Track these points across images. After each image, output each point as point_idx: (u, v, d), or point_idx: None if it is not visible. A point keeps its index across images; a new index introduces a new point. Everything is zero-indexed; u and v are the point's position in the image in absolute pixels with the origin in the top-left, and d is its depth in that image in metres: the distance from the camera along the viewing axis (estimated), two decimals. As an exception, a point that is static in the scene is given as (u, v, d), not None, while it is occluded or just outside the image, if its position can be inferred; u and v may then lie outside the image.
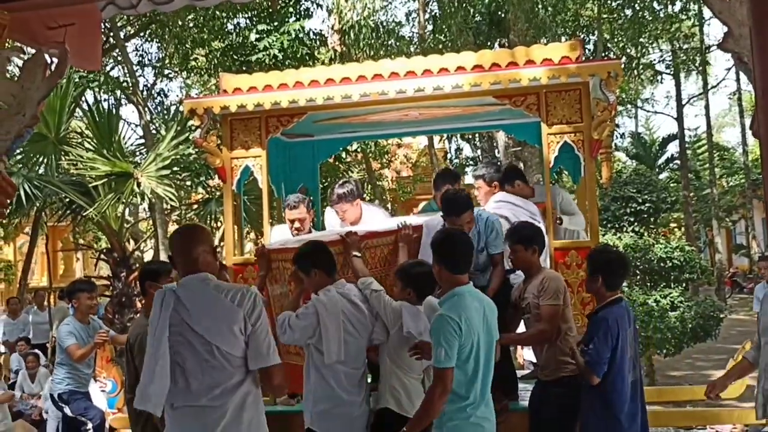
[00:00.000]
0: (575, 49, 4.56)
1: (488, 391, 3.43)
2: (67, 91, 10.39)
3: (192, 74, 16.61)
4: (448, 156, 20.77)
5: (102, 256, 13.42)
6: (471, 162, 20.19)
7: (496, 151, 15.33)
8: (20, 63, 3.22)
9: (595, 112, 4.60)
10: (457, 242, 3.52)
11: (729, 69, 25.70)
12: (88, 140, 10.81)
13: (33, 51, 3.22)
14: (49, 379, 8.29)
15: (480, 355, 3.33)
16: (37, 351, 9.53)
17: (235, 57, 12.31)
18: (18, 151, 3.81)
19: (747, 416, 5.43)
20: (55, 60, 3.20)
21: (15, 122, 3.03)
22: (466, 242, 3.57)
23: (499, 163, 6.14)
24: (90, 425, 5.88)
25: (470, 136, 18.26)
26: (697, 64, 21.38)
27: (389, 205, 18.08)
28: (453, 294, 3.39)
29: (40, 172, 10.57)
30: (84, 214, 11.09)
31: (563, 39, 13.34)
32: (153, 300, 3.11)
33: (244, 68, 11.25)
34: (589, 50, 16.30)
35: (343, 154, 13.57)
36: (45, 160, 10.45)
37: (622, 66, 4.72)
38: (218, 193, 12.13)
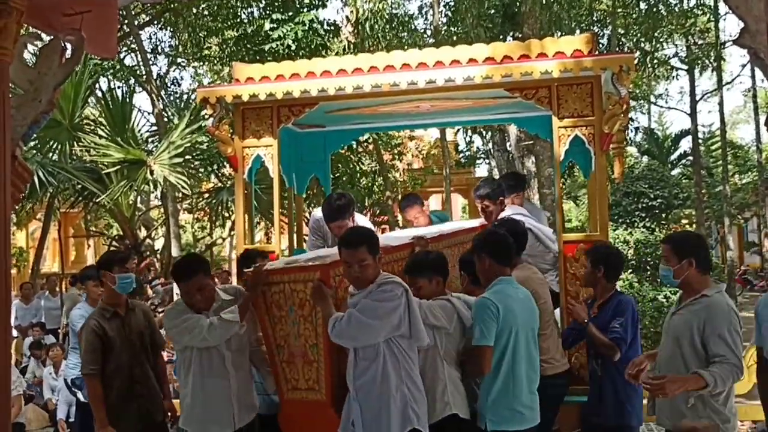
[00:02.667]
0: (588, 43, 4.55)
1: (532, 381, 3.71)
2: (81, 79, 10.47)
3: (205, 63, 16.65)
4: (459, 148, 20.74)
5: (114, 243, 13.53)
6: (482, 155, 20.15)
7: (508, 144, 15.29)
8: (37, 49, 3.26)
9: (606, 106, 4.59)
10: (503, 236, 3.94)
11: (744, 65, 25.49)
12: (102, 127, 10.89)
13: (49, 38, 3.25)
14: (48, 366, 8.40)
15: (519, 345, 3.64)
16: (42, 339, 9.61)
17: (249, 46, 12.33)
18: (32, 137, 3.85)
19: (755, 413, 5.43)
20: (71, 47, 3.23)
21: (31, 108, 3.06)
22: (508, 237, 3.95)
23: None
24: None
25: (482, 129, 18.22)
26: (711, 60, 21.18)
27: (400, 198, 18.07)
28: (498, 282, 3.77)
29: (54, 158, 10.66)
30: (96, 200, 11.21)
31: (577, 33, 13.28)
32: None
33: (257, 58, 11.28)
34: (603, 45, 16.21)
35: (355, 145, 13.58)
36: (59, 147, 10.55)
37: (636, 61, 4.71)
38: (230, 183, 12.20)
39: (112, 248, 13.29)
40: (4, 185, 2.27)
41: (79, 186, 11.00)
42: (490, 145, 18.13)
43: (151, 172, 10.21)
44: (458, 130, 19.01)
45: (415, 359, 3.48)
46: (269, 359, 3.92)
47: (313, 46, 11.64)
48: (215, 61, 15.72)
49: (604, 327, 4.10)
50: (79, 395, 6.05)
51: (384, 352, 3.39)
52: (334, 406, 3.68)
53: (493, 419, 3.60)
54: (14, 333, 11.55)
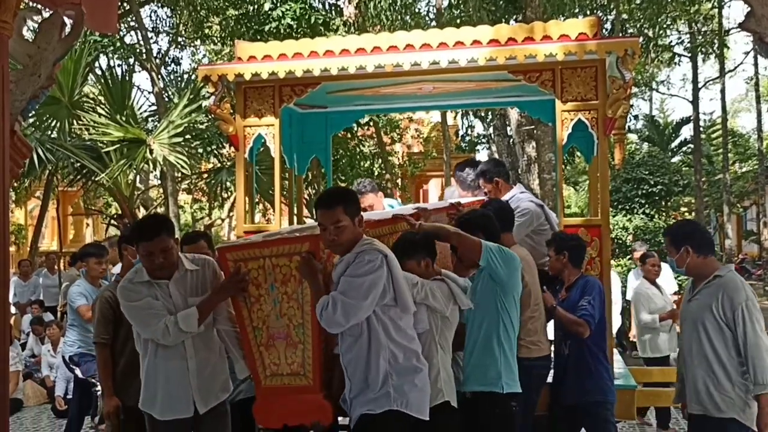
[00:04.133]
0: (593, 26, 4.51)
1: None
2: (81, 56, 10.41)
3: (205, 42, 16.55)
4: (460, 133, 20.69)
5: (113, 221, 13.51)
6: (483, 139, 20.10)
7: (509, 128, 15.25)
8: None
9: (610, 90, 4.56)
10: (489, 216, 4.02)
11: (747, 53, 25.38)
12: (101, 105, 10.84)
13: (49, 12, 3.21)
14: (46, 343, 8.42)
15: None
16: (42, 316, 9.63)
17: (249, 25, 12.24)
18: (31, 114, 3.82)
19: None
20: (71, 22, 3.20)
21: (30, 83, 3.04)
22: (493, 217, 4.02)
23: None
24: (99, 387, 5.96)
25: (483, 114, 18.16)
26: (715, 47, 21.10)
27: (399, 181, 18.05)
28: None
29: (53, 136, 10.62)
30: (95, 179, 11.17)
31: (580, 17, 13.19)
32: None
33: (257, 37, 11.20)
34: (607, 30, 16.11)
35: (355, 128, 13.54)
36: (58, 124, 10.51)
37: (640, 46, 4.67)
38: (229, 163, 12.17)
39: (112, 226, 13.29)
40: (3, 160, 2.25)
41: (78, 164, 10.96)
42: (491, 129, 18.09)
43: (151, 152, 10.17)
44: (457, 114, 18.98)
45: (407, 328, 3.26)
46: (243, 344, 3.55)
47: (312, 24, 11.55)
48: (216, 41, 15.63)
49: (572, 308, 4.18)
50: (77, 372, 6.07)
51: (367, 327, 3.18)
52: (323, 390, 3.45)
53: (508, 381, 3.58)
54: (12, 310, 11.60)
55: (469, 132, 20.52)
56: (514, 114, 13.42)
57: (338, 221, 3.19)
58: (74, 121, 10.71)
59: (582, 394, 4.12)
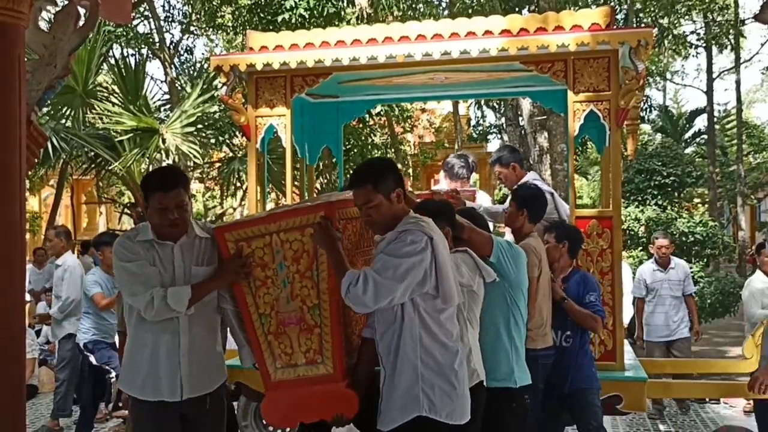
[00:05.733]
0: (606, 16, 4.49)
1: None
2: (95, 45, 10.45)
3: (218, 32, 16.57)
4: (471, 123, 20.63)
5: (126, 210, 13.59)
6: (495, 130, 20.03)
7: (521, 119, 15.19)
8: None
9: (622, 81, 4.54)
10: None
11: (763, 44, 25.11)
12: (115, 95, 10.89)
13: (64, 2, 3.24)
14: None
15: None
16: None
17: (262, 15, 12.24)
18: (46, 103, 3.85)
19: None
20: (86, 12, 3.22)
21: (46, 73, 3.06)
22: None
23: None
24: (114, 374, 6.04)
25: (495, 104, 18.09)
26: (730, 38, 20.86)
27: (410, 171, 18.04)
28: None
29: (67, 125, 10.68)
30: (109, 168, 11.23)
31: (593, 8, 13.09)
32: None
33: (270, 27, 11.21)
34: (620, 20, 15.98)
35: (367, 117, 13.53)
36: (72, 113, 10.56)
37: (654, 37, 4.65)
38: (241, 153, 12.20)
39: (125, 214, 13.36)
40: (20, 149, 2.28)
41: (92, 153, 11.02)
42: (503, 120, 18.03)
43: (163, 141, 10.22)
44: (470, 104, 18.91)
45: (444, 324, 2.87)
46: (248, 334, 3.19)
47: (325, 15, 11.54)
48: (228, 30, 15.64)
49: (573, 301, 4.22)
50: (91, 359, 6.14)
51: (401, 316, 2.83)
52: (346, 378, 3.09)
53: (520, 375, 3.59)
54: (27, 297, 11.72)
55: (480, 122, 20.46)
56: (526, 104, 13.37)
57: (368, 201, 2.89)
58: (88, 111, 10.77)
59: (575, 382, 4.18)
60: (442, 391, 2.81)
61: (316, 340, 3.09)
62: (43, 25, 3.39)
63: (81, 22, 3.22)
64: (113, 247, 3.18)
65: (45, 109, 9.93)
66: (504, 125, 17.65)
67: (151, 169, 13.88)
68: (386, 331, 2.87)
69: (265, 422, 3.45)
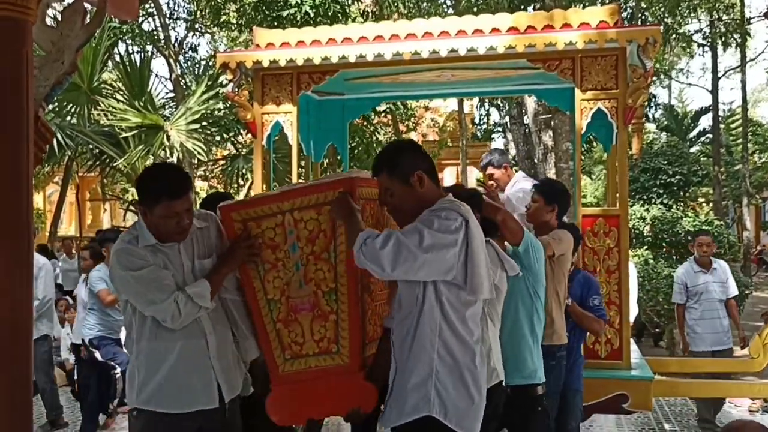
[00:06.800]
0: (613, 14, 4.48)
1: None
2: (100, 42, 10.47)
3: (222, 29, 16.56)
4: (476, 122, 20.60)
5: (131, 207, 13.59)
6: (499, 128, 20.01)
7: (525, 117, 15.17)
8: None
9: (630, 79, 4.53)
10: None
11: (769, 42, 24.99)
12: (120, 92, 10.91)
13: (71, -1, 3.23)
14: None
15: None
16: (67, 297, 9.74)
17: (267, 12, 12.23)
18: (54, 98, 3.84)
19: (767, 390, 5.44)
20: (93, 8, 3.22)
21: (54, 69, 3.05)
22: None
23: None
24: (119, 370, 6.04)
25: (499, 103, 18.05)
26: (736, 36, 20.79)
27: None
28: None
29: (73, 121, 10.70)
30: (114, 165, 11.25)
31: (599, 5, 13.05)
32: None
33: (275, 24, 11.20)
34: (625, 18, 15.95)
35: (372, 115, 13.53)
36: (77, 110, 10.58)
37: (661, 35, 4.63)
38: (245, 150, 12.20)
39: (130, 211, 13.37)
40: (27, 145, 2.27)
41: (97, 150, 11.05)
42: (507, 118, 18.00)
43: (168, 138, 10.23)
44: (474, 102, 18.88)
45: (467, 321, 2.55)
46: (255, 322, 2.93)
47: (331, 13, 11.53)
48: (232, 28, 15.63)
49: (587, 299, 4.16)
50: (96, 355, 6.14)
51: (422, 299, 2.52)
52: (363, 370, 2.82)
53: (540, 373, 3.50)
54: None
55: (485, 121, 20.43)
56: (531, 103, 13.35)
57: (386, 188, 2.67)
58: (93, 108, 10.79)
59: (566, 382, 4.10)
60: (456, 393, 2.50)
61: (331, 327, 2.83)
62: (49, 22, 3.38)
63: (88, 19, 3.22)
64: (112, 256, 2.88)
65: (50, 106, 9.94)
66: (508, 124, 17.61)
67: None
68: (406, 316, 2.56)
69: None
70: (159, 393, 2.78)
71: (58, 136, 9.61)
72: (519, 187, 5.14)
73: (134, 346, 2.85)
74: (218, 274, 2.86)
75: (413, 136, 19.52)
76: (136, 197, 2.85)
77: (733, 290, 6.63)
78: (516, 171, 5.49)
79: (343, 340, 2.81)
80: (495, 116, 20.86)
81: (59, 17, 3.16)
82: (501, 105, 18.51)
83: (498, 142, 21.62)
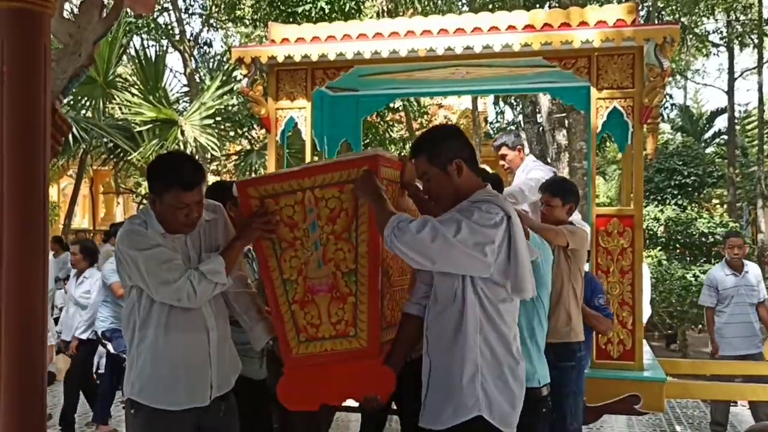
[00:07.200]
0: (631, 12, 4.45)
1: None
2: (116, 36, 10.52)
3: (237, 24, 16.60)
4: (489, 120, 20.54)
5: (143, 201, 13.66)
6: (512, 126, 19.94)
7: (539, 116, 15.11)
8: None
9: (647, 78, 4.50)
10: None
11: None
12: (135, 86, 10.96)
13: (89, -9, 3.24)
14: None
15: None
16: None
17: (282, 8, 12.25)
18: (71, 91, 3.85)
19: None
20: (110, 1, 3.23)
21: (71, 62, 3.06)
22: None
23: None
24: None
25: (513, 101, 18.00)
26: (753, 37, 20.61)
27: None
28: None
29: (87, 115, 10.77)
30: (128, 158, 11.30)
31: (616, 3, 12.98)
32: None
33: (290, 20, 11.21)
34: (643, 17, 15.86)
35: (385, 112, 13.52)
36: (92, 104, 10.64)
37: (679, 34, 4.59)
38: (259, 146, 12.23)
39: (143, 205, 13.43)
40: (44, 137, 2.28)
41: (111, 144, 11.11)
42: (520, 117, 17.95)
43: (182, 132, 10.27)
44: (487, 101, 18.81)
45: (505, 316, 2.45)
46: (270, 303, 2.82)
47: (346, 10, 11.53)
48: (247, 23, 15.67)
49: (593, 299, 4.13)
50: (109, 347, 6.19)
51: (461, 296, 2.42)
52: (382, 354, 2.69)
53: (543, 374, 3.40)
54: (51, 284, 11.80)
55: (499, 119, 20.40)
56: (545, 101, 13.29)
57: (424, 173, 2.57)
58: (108, 101, 10.85)
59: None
60: (498, 391, 2.43)
61: (349, 309, 2.71)
62: (67, 15, 3.40)
63: (105, 12, 3.23)
64: (119, 239, 2.76)
65: (66, 100, 10.00)
66: (522, 122, 17.56)
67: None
68: (443, 311, 2.45)
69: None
70: (154, 386, 2.70)
71: (73, 129, 9.66)
72: (532, 176, 5.07)
73: (136, 333, 2.73)
74: (232, 248, 2.78)
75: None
76: (149, 189, 2.81)
77: (763, 294, 6.49)
78: (527, 155, 5.44)
79: (362, 323, 2.69)
80: (509, 114, 20.83)
81: (77, 10, 3.18)
82: (515, 103, 18.45)
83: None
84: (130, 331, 2.75)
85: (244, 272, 3.03)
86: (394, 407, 3.40)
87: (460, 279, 2.41)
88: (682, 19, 17.23)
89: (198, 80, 13.23)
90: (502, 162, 5.39)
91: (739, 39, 20.85)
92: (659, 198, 10.87)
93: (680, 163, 10.92)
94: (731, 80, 22.14)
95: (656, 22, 15.55)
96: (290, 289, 2.77)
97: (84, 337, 6.32)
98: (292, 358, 2.77)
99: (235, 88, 10.63)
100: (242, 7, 15.04)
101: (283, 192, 2.73)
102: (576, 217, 4.62)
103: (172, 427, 2.71)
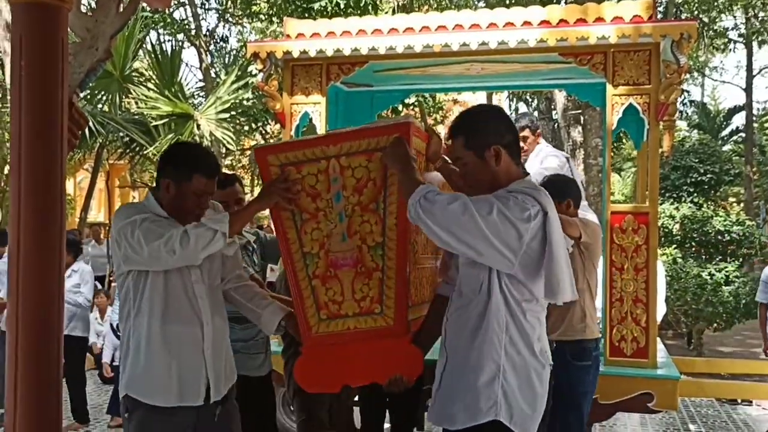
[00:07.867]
0: (648, 8, 4.41)
1: None
2: (133, 31, 10.58)
3: (253, 20, 16.64)
4: (504, 115, 20.47)
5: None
6: (527, 123, 19.86)
7: (554, 113, 15.05)
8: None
9: (663, 75, 4.47)
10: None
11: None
12: (151, 80, 11.02)
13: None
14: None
15: None
16: (96, 283, 9.89)
17: (297, 3, 12.27)
18: (89, 84, 3.88)
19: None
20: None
21: (88, 56, 3.09)
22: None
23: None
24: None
25: (528, 97, 17.93)
26: (772, 33, 20.42)
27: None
28: None
29: (104, 109, 10.85)
30: (144, 153, 11.38)
31: None
32: None
33: (305, 15, 11.23)
34: (660, 13, 15.73)
35: (400, 107, 13.52)
36: (109, 98, 10.71)
37: (697, 30, 4.55)
38: (273, 140, 12.26)
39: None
40: (62, 131, 2.30)
41: (127, 138, 11.18)
42: (536, 113, 17.88)
43: (198, 127, 10.33)
44: (502, 97, 18.76)
45: (528, 315, 2.28)
46: (288, 277, 2.62)
47: (362, 5, 11.53)
48: (262, 19, 15.70)
49: None
50: (124, 340, 6.24)
51: (487, 289, 2.26)
52: (409, 333, 2.53)
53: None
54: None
55: (513, 115, 20.32)
56: (560, 97, 13.23)
57: (457, 157, 2.39)
58: (124, 95, 10.93)
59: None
60: (521, 395, 2.26)
61: (375, 286, 2.52)
62: (84, 9, 3.42)
63: (122, 7, 3.25)
64: (115, 218, 2.66)
65: (82, 94, 10.09)
66: (536, 119, 17.50)
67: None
68: (467, 304, 2.31)
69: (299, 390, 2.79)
70: (147, 380, 2.60)
71: (90, 123, 9.73)
72: (546, 164, 5.01)
73: (130, 321, 2.63)
74: (246, 210, 2.70)
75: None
76: (162, 175, 2.76)
77: None
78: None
79: (388, 300, 2.51)
80: (523, 110, 20.72)
81: (94, 4, 3.20)
82: (530, 99, 18.38)
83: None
84: (124, 321, 2.68)
85: (242, 272, 2.97)
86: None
87: (487, 272, 2.25)
88: (701, 16, 17.08)
89: (213, 75, 13.28)
90: (521, 144, 5.28)
91: (758, 36, 20.63)
92: (675, 195, 10.79)
93: (696, 160, 10.83)
94: (749, 77, 21.96)
95: (673, 18, 15.42)
96: (311, 263, 2.57)
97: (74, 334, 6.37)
98: (312, 337, 2.59)
99: (250, 82, 10.66)
100: (258, 2, 15.07)
101: (306, 160, 2.53)
102: (592, 216, 4.61)
103: (166, 428, 2.61)
